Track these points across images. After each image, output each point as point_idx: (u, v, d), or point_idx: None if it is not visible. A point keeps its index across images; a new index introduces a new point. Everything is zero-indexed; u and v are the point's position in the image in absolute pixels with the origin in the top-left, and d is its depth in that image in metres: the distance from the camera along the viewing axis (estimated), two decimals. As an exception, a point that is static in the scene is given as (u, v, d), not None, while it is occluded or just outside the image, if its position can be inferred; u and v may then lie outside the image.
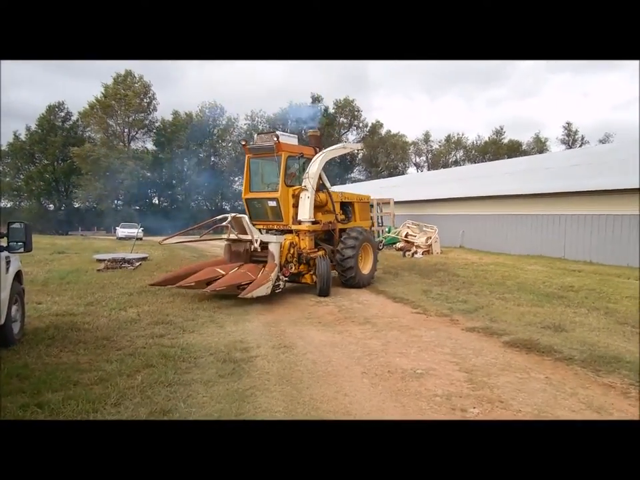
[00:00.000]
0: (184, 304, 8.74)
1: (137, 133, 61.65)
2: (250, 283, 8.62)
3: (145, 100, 59.58)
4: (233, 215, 10.04)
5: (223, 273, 9.14)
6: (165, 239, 11.41)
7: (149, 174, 59.10)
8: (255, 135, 11.14)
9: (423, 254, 18.34)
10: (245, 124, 64.98)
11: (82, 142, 57.39)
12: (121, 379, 4.74)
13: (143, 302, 8.81)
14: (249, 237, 9.78)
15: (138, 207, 60.27)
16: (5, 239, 5.45)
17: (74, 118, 62.51)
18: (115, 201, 59.56)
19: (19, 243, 5.45)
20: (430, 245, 18.86)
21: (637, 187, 14.09)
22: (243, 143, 10.97)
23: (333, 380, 4.93)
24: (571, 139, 74.05)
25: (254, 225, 10.22)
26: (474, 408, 4.23)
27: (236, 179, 61.08)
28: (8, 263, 5.66)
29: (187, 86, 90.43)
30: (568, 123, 74.15)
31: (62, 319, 7.39)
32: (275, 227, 10.52)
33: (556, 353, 5.92)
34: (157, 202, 65.64)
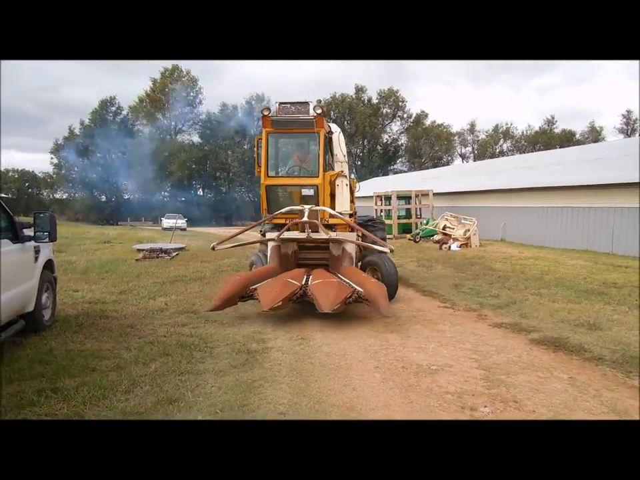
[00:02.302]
0: (211, 294, 8.85)
1: (183, 125, 63.28)
2: (352, 295, 6.92)
3: (191, 94, 61.06)
4: (309, 206, 8.07)
5: (297, 284, 7.24)
6: (219, 243, 8.74)
7: (194, 166, 60.59)
8: (276, 104, 8.52)
9: (460, 247, 17.88)
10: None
11: (132, 135, 59.45)
12: (136, 367, 4.85)
13: (173, 291, 9.01)
14: (330, 236, 8.02)
15: (184, 199, 61.92)
16: (32, 228, 5.68)
17: (124, 112, 64.84)
18: (163, 193, 61.36)
19: (45, 233, 5.67)
20: (468, 238, 18.35)
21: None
22: (265, 113, 8.35)
23: (344, 373, 4.87)
24: (630, 127, 70.13)
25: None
26: (485, 407, 4.07)
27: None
28: (37, 252, 5.91)
29: (233, 79, 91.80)
30: (627, 111, 70.25)
31: (93, 307, 7.67)
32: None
33: (585, 352, 5.62)
34: (201, 193, 67.22)
